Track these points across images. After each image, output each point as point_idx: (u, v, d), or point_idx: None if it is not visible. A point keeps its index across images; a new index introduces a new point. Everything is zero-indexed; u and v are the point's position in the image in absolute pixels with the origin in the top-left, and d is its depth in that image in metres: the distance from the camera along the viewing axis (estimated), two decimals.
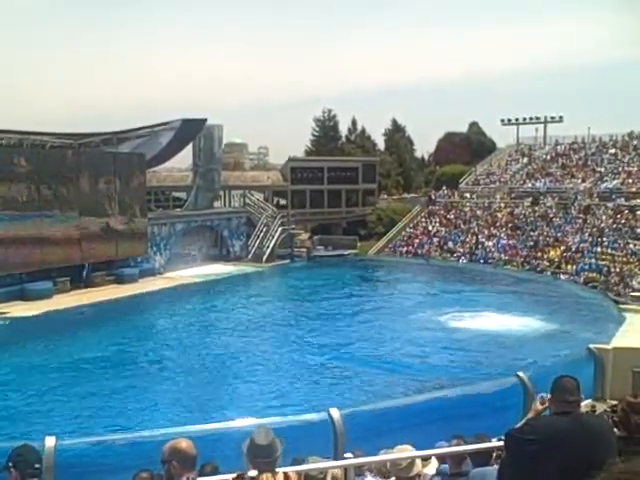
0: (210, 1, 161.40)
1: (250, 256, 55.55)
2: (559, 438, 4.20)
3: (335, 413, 13.70)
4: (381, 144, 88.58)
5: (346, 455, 7.01)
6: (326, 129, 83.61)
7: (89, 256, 43.00)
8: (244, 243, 56.80)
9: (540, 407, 4.87)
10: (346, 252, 59.94)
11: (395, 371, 26.10)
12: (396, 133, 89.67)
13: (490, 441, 5.18)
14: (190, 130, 51.93)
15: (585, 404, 19.84)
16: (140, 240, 46.87)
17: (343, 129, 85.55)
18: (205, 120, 52.61)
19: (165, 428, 13.39)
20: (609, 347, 26.19)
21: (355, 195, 69.68)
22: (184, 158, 60.56)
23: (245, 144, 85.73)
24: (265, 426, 5.25)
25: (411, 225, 62.59)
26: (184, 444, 4.71)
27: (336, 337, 31.60)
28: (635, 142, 63.97)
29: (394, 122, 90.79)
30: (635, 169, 57.55)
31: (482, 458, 6.22)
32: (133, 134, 50.91)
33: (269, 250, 55.24)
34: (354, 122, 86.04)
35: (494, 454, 6.53)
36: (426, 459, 7.36)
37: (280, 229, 56.60)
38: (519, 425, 4.47)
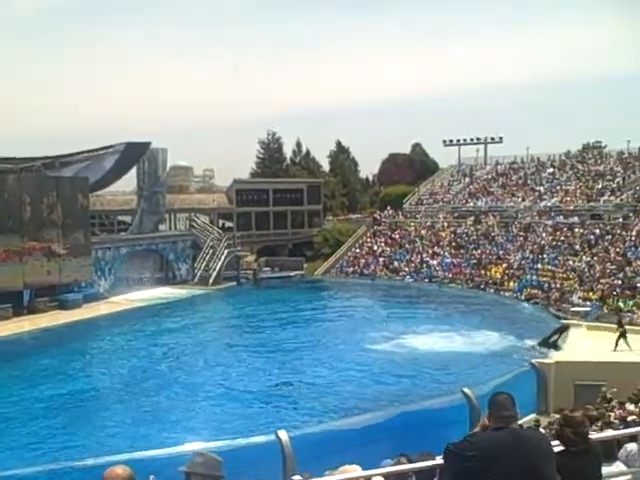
0: (159, 20, 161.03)
1: (196, 279, 55.31)
2: (496, 453, 4.28)
3: (283, 435, 13.77)
4: (326, 166, 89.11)
5: (294, 478, 7.08)
6: (271, 151, 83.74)
7: (31, 282, 42.27)
8: (190, 266, 56.52)
9: (487, 422, 4.78)
10: (293, 273, 60.04)
11: (341, 391, 26.23)
12: (340, 154, 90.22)
13: (434, 458, 5.32)
14: (134, 153, 51.68)
15: (529, 418, 20.34)
16: (84, 265, 46.25)
17: (288, 151, 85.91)
18: (149, 143, 52.42)
19: (109, 455, 13.30)
20: (551, 361, 26.88)
21: (301, 216, 69.99)
22: (129, 181, 60.13)
23: (190, 167, 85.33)
24: (208, 450, 5.30)
25: (357, 245, 63.07)
26: (119, 470, 4.70)
27: (281, 360, 31.65)
28: (572, 161, 65.70)
29: (338, 144, 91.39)
30: (572, 187, 59.05)
31: (426, 476, 6.38)
32: (76, 158, 50.45)
33: (215, 273, 55.05)
34: (299, 144, 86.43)
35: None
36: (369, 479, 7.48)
37: (226, 251, 56.47)
38: (458, 441, 4.49)
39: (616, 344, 28.79)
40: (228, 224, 65.91)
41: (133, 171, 54.37)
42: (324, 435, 16.72)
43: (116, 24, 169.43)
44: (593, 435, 6.02)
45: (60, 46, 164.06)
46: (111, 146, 50.62)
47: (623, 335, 29.06)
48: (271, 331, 38.63)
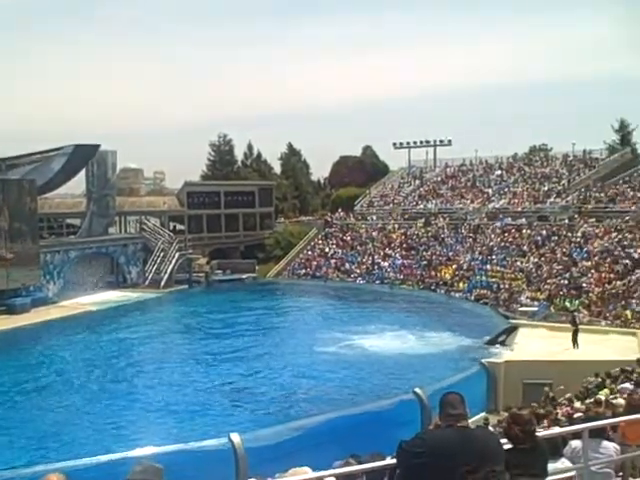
0: (109, 20, 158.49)
1: (147, 282, 54.83)
2: (444, 450, 4.42)
3: (236, 438, 13.79)
4: (277, 168, 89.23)
5: None
6: (222, 153, 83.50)
7: None
8: (141, 269, 56.03)
9: (439, 421, 4.87)
10: (245, 276, 59.92)
11: (293, 394, 26.32)
12: (292, 157, 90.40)
13: (384, 459, 5.43)
14: (83, 156, 51.05)
15: (479, 417, 20.71)
16: (32, 268, 45.51)
17: (239, 153, 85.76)
18: (98, 146, 51.84)
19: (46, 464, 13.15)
20: (500, 361, 27.40)
21: (252, 219, 69.90)
22: (78, 184, 59.31)
23: (140, 169, 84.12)
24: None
25: (308, 247, 63.26)
26: (54, 479, 4.69)
27: (233, 363, 31.60)
28: (519, 164, 66.91)
29: (290, 146, 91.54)
30: (520, 190, 60.15)
31: (377, 476, 6.49)
32: (23, 160, 49.65)
33: (167, 276, 54.70)
34: (250, 146, 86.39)
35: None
36: None
37: (177, 254, 56.14)
38: (410, 439, 4.63)
39: (574, 342, 29.51)
40: (179, 227, 65.50)
41: (82, 173, 53.70)
42: (276, 438, 16.76)
43: (67, 23, 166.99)
44: (540, 433, 6.25)
45: (8, 47, 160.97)
46: (59, 148, 49.92)
47: (575, 333, 29.79)
48: (223, 334, 38.51)
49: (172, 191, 73.47)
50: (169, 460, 14.23)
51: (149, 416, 23.99)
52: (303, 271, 60.00)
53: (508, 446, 5.34)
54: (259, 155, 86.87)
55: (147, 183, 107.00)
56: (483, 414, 21.84)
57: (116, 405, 25.38)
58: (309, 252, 62.62)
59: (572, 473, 6.95)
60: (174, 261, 55.69)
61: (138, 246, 56.79)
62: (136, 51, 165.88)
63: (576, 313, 35.09)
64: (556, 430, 8.35)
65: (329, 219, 67.38)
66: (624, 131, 76.27)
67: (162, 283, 54.21)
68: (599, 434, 7.58)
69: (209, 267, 61.47)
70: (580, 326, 31.29)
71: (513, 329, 33.95)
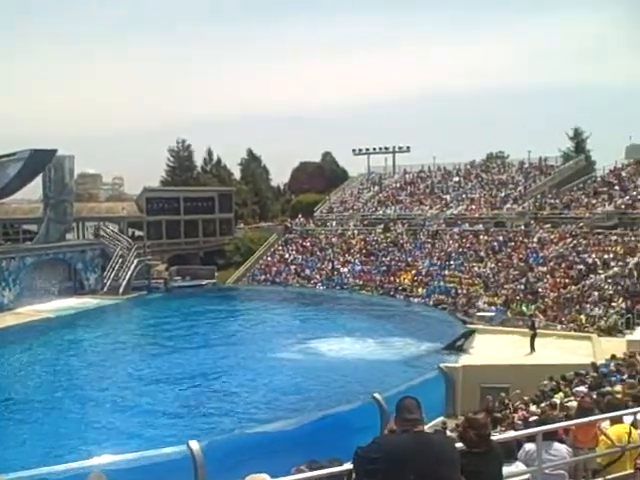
0: (67, 23, 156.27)
1: (106, 289, 54.30)
2: (401, 455, 4.48)
3: (195, 445, 13.80)
4: (237, 174, 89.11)
5: None
6: (181, 159, 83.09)
7: None
8: (99, 276, 55.46)
9: (395, 426, 4.93)
10: (204, 282, 59.65)
11: (253, 400, 26.28)
12: (252, 163, 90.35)
13: (342, 464, 5.48)
14: (39, 161, 50.42)
15: (437, 421, 20.98)
16: None
17: (198, 159, 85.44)
18: (55, 151, 51.23)
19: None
20: (458, 365, 27.74)
21: (212, 225, 69.64)
22: (35, 189, 58.56)
23: (99, 175, 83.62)
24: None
25: (268, 253, 63.22)
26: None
27: (192, 370, 31.45)
28: (477, 170, 67.77)
29: (250, 152, 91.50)
30: (477, 196, 60.92)
31: None
32: None
33: (125, 282, 54.23)
34: (209, 152, 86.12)
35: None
36: None
37: (136, 260, 55.72)
38: (365, 445, 4.64)
39: (531, 347, 30.00)
40: (138, 233, 64.93)
41: (39, 179, 53.02)
42: (235, 445, 16.78)
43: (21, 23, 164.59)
44: (495, 436, 6.42)
45: None
46: (14, 153, 49.29)
47: (533, 338, 30.29)
48: (182, 340, 38.32)
49: (131, 197, 73.04)
50: (127, 469, 14.24)
51: (103, 425, 23.77)
52: (263, 277, 59.94)
53: (463, 450, 5.49)
54: (219, 161, 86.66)
55: (106, 189, 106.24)
56: (441, 418, 22.09)
57: (75, 411, 25.18)
58: (269, 258, 62.59)
59: (526, 476, 7.16)
60: (133, 267, 55.25)
61: (96, 252, 56.19)
62: (93, 54, 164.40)
63: (535, 318, 35.73)
64: (511, 434, 8.57)
65: (289, 225, 67.45)
66: (578, 139, 77.76)
67: (120, 290, 53.72)
68: (551, 437, 7.80)
69: (168, 273, 61.07)
70: (537, 330, 31.87)
71: (470, 334, 34.32)
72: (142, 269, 56.53)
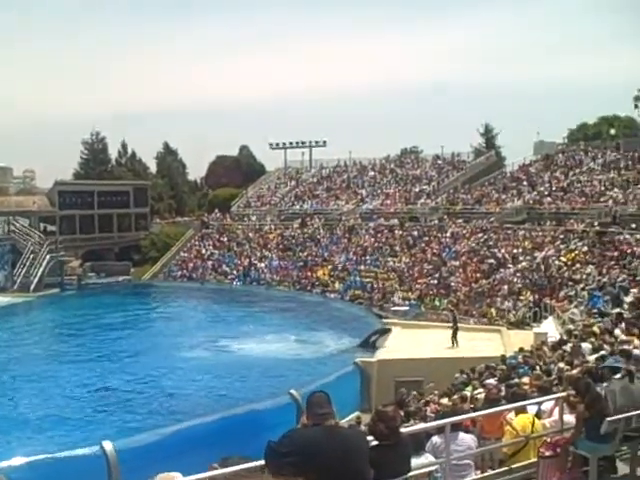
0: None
1: (16, 286, 52.71)
2: (311, 449, 4.62)
3: (108, 446, 13.71)
4: (153, 167, 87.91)
5: None
6: (95, 152, 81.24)
7: None
8: (9, 272, 53.76)
9: (307, 421, 5.03)
10: (120, 278, 58.64)
11: (167, 399, 25.98)
12: (168, 156, 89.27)
13: (253, 461, 5.55)
14: None
15: (353, 416, 21.32)
16: None
17: (113, 152, 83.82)
18: None
19: None
20: (373, 360, 28.18)
21: (127, 219, 68.50)
22: None
23: (9, 167, 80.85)
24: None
25: (185, 249, 62.66)
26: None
27: (105, 368, 30.87)
28: (391, 165, 68.78)
29: (166, 145, 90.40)
30: (392, 191, 61.83)
31: None
32: None
33: (37, 279, 52.80)
34: (124, 145, 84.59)
35: None
36: None
37: (48, 257, 54.31)
38: (277, 439, 4.77)
39: (453, 341, 30.58)
40: (50, 228, 63.10)
41: None
42: (149, 444, 16.66)
43: None
44: (403, 429, 6.67)
45: None
46: None
47: (455, 332, 30.88)
48: (94, 338, 37.53)
49: (42, 191, 70.95)
50: (38, 471, 14.00)
51: (12, 427, 23.15)
52: (180, 273, 59.37)
53: (373, 443, 5.68)
54: (134, 154, 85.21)
55: (16, 182, 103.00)
56: (357, 413, 22.43)
57: None
58: (185, 254, 62.04)
59: (435, 467, 7.46)
60: (45, 264, 53.83)
61: (6, 248, 54.46)
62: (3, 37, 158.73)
63: (455, 312, 36.30)
64: (419, 426, 8.87)
65: (206, 220, 66.98)
66: (489, 135, 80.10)
67: (32, 287, 52.27)
68: (457, 427, 8.14)
69: (82, 270, 59.80)
70: (449, 324, 32.49)
71: (384, 332, 34.17)
72: (55, 265, 55.11)
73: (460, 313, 37.89)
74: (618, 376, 8.62)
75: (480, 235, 48.95)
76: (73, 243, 62.48)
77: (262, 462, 4.89)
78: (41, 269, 53.49)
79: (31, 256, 53.86)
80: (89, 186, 68.09)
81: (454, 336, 30.62)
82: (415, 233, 53.07)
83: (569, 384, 10.13)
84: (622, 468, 8.42)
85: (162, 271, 60.17)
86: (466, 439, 8.20)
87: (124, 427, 22.40)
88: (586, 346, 16.72)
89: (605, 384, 8.72)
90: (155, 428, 19.59)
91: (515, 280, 40.92)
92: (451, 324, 31.68)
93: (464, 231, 50.43)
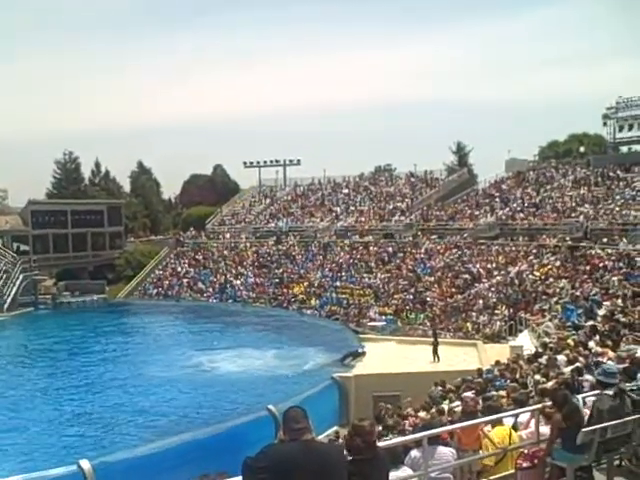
0: None
1: None
2: (288, 464, 4.63)
3: (85, 465, 13.59)
4: (127, 186, 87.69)
5: None
6: (68, 171, 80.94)
7: None
8: None
9: (284, 436, 5.02)
10: (95, 297, 58.06)
11: (145, 419, 25.70)
12: (142, 175, 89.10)
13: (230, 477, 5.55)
14: None
15: (331, 431, 21.33)
16: None
17: (86, 171, 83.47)
18: None
19: None
20: (351, 375, 28.20)
21: (101, 238, 68.15)
22: None
23: None
24: None
25: (160, 267, 62.44)
26: None
27: (78, 388, 30.51)
28: (365, 183, 69.16)
29: (140, 164, 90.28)
30: (366, 208, 62.15)
31: None
32: None
33: (10, 298, 52.25)
34: (97, 164, 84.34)
35: None
36: None
37: (22, 276, 53.86)
38: (254, 454, 4.78)
39: (434, 355, 30.59)
40: (24, 247, 62.56)
41: None
42: (127, 462, 16.53)
43: None
44: (380, 443, 6.70)
45: None
46: None
47: (436, 347, 30.91)
48: (69, 358, 37.19)
49: (15, 210, 70.26)
50: None
51: None
52: (155, 291, 59.12)
53: (350, 457, 5.68)
54: (107, 173, 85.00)
55: None
56: (335, 428, 22.43)
57: None
58: (161, 272, 61.82)
59: None
60: (18, 283, 53.36)
61: None
62: None
63: (436, 328, 36.34)
64: (397, 440, 8.90)
65: (181, 238, 66.84)
66: (461, 153, 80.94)
67: (5, 306, 51.72)
68: (436, 441, 8.18)
69: (56, 289, 59.31)
70: (425, 339, 32.64)
71: (358, 355, 32.71)
72: (28, 284, 54.65)
73: (436, 328, 38.08)
74: (610, 393, 8.69)
75: (454, 251, 49.33)
76: (47, 262, 62.09)
77: (239, 478, 4.91)
78: (14, 288, 52.98)
79: (4, 276, 53.31)
80: (62, 205, 67.67)
81: (435, 352, 30.65)
82: (390, 249, 53.34)
83: (546, 395, 10.24)
84: (599, 478, 8.51)
85: (137, 289, 59.86)
86: (445, 452, 8.23)
87: (98, 446, 22.15)
88: (561, 358, 16.85)
89: (594, 398, 8.85)
90: (131, 447, 19.41)
91: (490, 295, 41.29)
92: (432, 340, 31.76)
93: (438, 247, 50.81)
